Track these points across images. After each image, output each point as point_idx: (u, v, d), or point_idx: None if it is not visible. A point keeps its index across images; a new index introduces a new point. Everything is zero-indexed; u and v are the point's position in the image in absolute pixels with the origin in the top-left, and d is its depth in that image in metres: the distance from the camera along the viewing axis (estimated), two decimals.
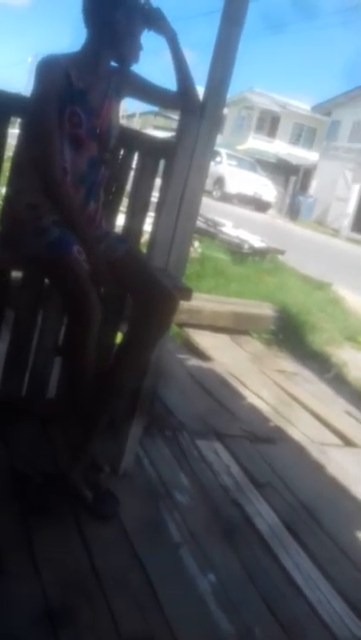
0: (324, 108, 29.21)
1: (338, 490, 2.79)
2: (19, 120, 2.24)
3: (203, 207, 2.46)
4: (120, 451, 2.30)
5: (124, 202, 2.46)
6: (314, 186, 27.31)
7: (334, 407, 3.88)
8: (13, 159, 2.17)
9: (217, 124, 2.22)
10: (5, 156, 2.25)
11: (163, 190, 2.25)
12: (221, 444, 2.84)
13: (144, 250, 2.41)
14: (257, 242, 8.55)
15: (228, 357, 4.17)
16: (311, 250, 12.85)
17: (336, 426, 3.51)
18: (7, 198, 2.10)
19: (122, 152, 2.36)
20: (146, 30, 2.06)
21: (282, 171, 27.98)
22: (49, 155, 1.94)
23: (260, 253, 8.21)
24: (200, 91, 2.15)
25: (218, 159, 21.23)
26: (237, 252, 7.94)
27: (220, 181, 21.24)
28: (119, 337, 2.45)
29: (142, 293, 2.05)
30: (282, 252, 8.77)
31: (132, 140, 2.41)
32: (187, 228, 2.24)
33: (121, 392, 2.14)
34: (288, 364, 4.55)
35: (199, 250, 6.94)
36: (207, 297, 4.97)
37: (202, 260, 6.56)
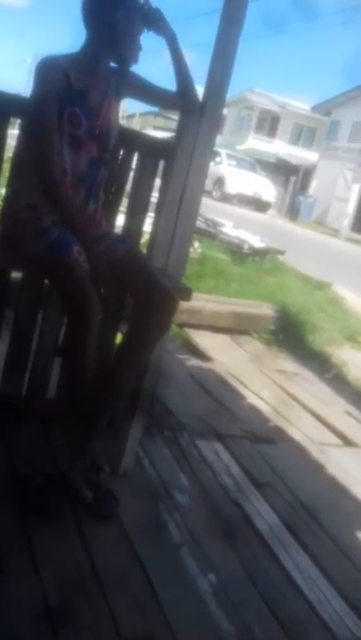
0: (324, 108, 29.22)
1: (338, 490, 2.79)
2: (18, 121, 2.24)
3: (203, 207, 2.46)
4: (120, 451, 2.30)
5: (124, 202, 2.46)
6: (314, 186, 27.30)
7: (334, 407, 3.88)
8: (13, 160, 2.17)
9: (216, 124, 2.22)
10: (5, 157, 2.25)
11: (162, 190, 2.25)
12: (221, 444, 2.84)
13: (144, 250, 2.41)
14: (257, 242, 8.55)
15: (228, 357, 4.17)
16: (311, 250, 12.85)
17: (336, 426, 3.51)
18: (7, 199, 2.10)
19: (121, 152, 2.36)
20: (145, 31, 2.06)
21: (282, 171, 27.97)
22: (48, 155, 1.94)
23: (259, 253, 8.21)
24: (200, 91, 2.15)
25: (218, 159, 21.23)
26: (237, 252, 7.95)
27: (219, 181, 21.24)
28: (119, 337, 2.45)
29: (142, 293, 2.05)
30: (282, 252, 8.77)
31: (132, 140, 2.41)
32: (186, 228, 2.24)
33: (121, 392, 2.14)
34: (288, 364, 4.55)
35: (199, 250, 6.94)
36: (207, 297, 4.97)
37: (202, 260, 6.56)
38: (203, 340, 4.35)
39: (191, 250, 5.59)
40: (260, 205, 21.90)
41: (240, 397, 3.57)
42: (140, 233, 2.47)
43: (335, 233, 21.91)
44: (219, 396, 3.46)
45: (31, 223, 1.96)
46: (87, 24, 2.02)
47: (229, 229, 9.14)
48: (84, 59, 2.02)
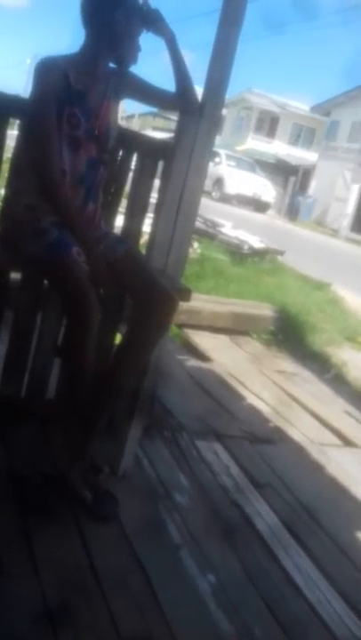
0: (323, 109, 29.24)
1: (338, 490, 2.79)
2: (17, 122, 2.24)
3: (202, 208, 2.46)
4: (119, 451, 2.30)
5: (123, 203, 2.46)
6: (313, 186, 27.31)
7: (334, 407, 3.88)
8: (12, 161, 2.17)
9: (216, 124, 2.22)
10: (4, 158, 2.26)
11: (162, 191, 2.25)
12: (221, 444, 2.84)
13: (143, 251, 2.41)
14: (256, 242, 8.56)
15: (227, 358, 4.17)
16: (310, 250, 12.86)
17: (336, 426, 3.51)
18: (6, 200, 2.10)
19: (121, 153, 2.36)
20: (144, 31, 2.06)
21: (281, 171, 27.98)
22: (47, 156, 1.94)
23: (259, 254, 8.22)
24: (199, 91, 2.15)
25: (217, 160, 21.25)
26: (237, 252, 7.95)
27: (219, 182, 21.25)
28: (118, 338, 2.45)
29: (141, 294, 2.05)
30: (281, 253, 8.78)
31: (131, 140, 2.41)
32: (186, 228, 2.24)
33: (120, 393, 2.14)
34: (288, 364, 4.55)
35: (198, 250, 6.94)
36: (206, 298, 4.97)
37: (201, 260, 6.56)
38: (202, 340, 4.35)
39: (190, 250, 5.59)
40: (259, 206, 21.91)
41: (239, 398, 3.57)
42: (139, 233, 2.47)
43: (335, 233, 21.92)
44: (218, 396, 3.46)
45: (30, 224, 1.96)
46: (86, 25, 2.02)
47: (229, 230, 9.15)
48: (84, 59, 2.02)
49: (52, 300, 2.36)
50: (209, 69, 2.13)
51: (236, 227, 9.65)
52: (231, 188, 21.38)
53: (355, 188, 24.31)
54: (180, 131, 2.22)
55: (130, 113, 27.61)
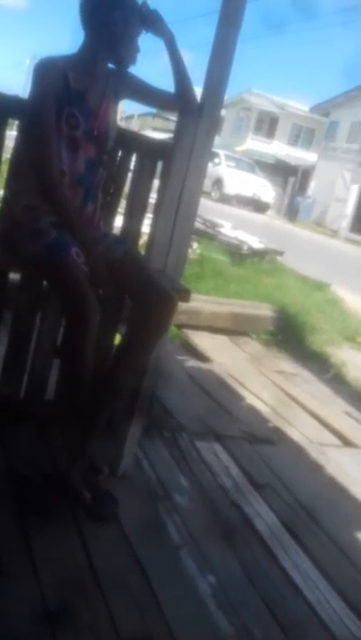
0: (323, 109, 29.25)
1: (337, 490, 2.79)
2: (16, 122, 2.24)
3: (201, 208, 2.46)
4: (119, 452, 2.30)
5: (123, 203, 2.46)
6: (312, 186, 27.32)
7: (333, 407, 3.88)
8: (11, 161, 2.17)
9: (215, 125, 2.22)
10: (3, 159, 2.26)
11: (161, 191, 2.25)
12: (221, 445, 2.84)
13: (142, 251, 2.41)
14: (256, 243, 8.56)
15: (227, 358, 4.17)
16: (310, 251, 12.86)
17: (335, 426, 3.51)
18: (5, 200, 2.10)
19: (120, 153, 2.36)
20: (143, 32, 2.06)
21: (280, 171, 27.99)
22: (46, 157, 1.94)
23: (258, 254, 8.22)
24: (198, 92, 2.16)
25: (216, 160, 21.25)
26: (236, 253, 7.95)
27: (218, 182, 21.25)
28: (118, 338, 2.45)
29: (141, 295, 2.05)
30: (281, 253, 8.78)
31: (130, 141, 2.41)
32: (185, 229, 2.24)
33: (120, 393, 2.14)
34: (287, 364, 4.55)
35: (198, 251, 6.95)
36: (206, 298, 4.97)
37: (201, 261, 6.56)
38: (202, 340, 4.35)
39: (190, 251, 5.60)
40: (258, 206, 21.91)
41: (239, 398, 3.57)
42: (138, 234, 2.47)
43: (334, 234, 21.92)
44: (218, 396, 3.46)
45: (29, 224, 1.96)
46: (85, 25, 2.02)
47: (228, 230, 9.15)
48: (82, 60, 2.02)
49: (51, 300, 2.36)
50: (208, 70, 2.13)
51: (235, 227, 9.65)
52: (230, 188, 21.39)
53: (354, 188, 24.32)
54: (179, 131, 2.22)
55: (129, 113, 27.68)
